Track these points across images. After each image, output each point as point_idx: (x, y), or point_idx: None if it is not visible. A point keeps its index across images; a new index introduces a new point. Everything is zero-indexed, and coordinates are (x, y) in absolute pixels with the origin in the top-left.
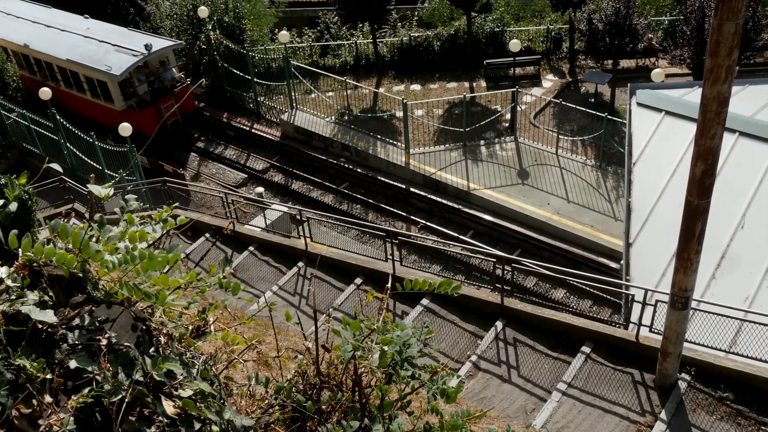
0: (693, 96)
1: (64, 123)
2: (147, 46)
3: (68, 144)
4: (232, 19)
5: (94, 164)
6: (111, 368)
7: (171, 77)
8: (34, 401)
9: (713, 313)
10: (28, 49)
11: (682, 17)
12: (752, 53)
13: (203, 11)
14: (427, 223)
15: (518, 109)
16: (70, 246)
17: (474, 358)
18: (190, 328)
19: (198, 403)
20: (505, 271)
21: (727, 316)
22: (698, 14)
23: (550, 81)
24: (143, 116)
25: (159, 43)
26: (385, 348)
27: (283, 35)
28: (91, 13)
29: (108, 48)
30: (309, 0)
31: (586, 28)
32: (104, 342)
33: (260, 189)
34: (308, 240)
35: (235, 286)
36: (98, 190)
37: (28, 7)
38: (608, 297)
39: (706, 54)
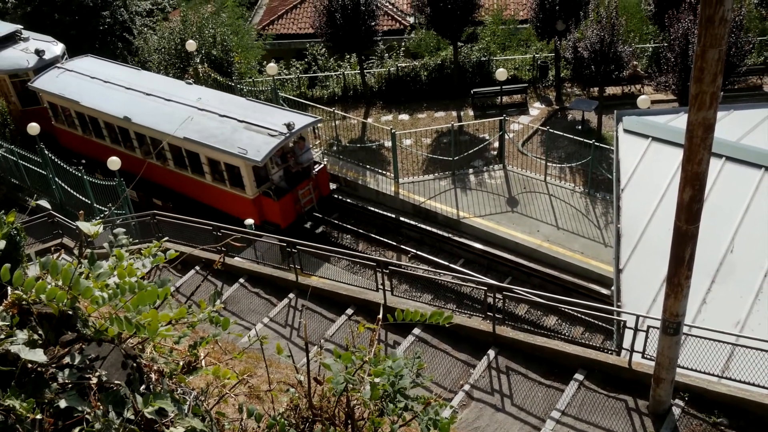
0: (679, 122)
1: (52, 158)
2: (289, 126)
3: (57, 179)
4: (220, 52)
5: (83, 199)
6: (101, 407)
7: (308, 158)
8: None
9: (705, 338)
10: (130, 122)
11: (666, 44)
12: (736, 79)
13: (191, 45)
14: (418, 252)
15: (506, 137)
16: (60, 283)
17: (467, 387)
18: (181, 363)
19: None
20: (496, 299)
21: (719, 341)
22: (682, 41)
23: (537, 109)
24: (280, 206)
25: (300, 120)
26: (377, 380)
27: (271, 67)
28: (79, 47)
29: (234, 125)
30: (296, 32)
31: (572, 56)
32: (94, 380)
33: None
34: (299, 271)
35: (224, 321)
36: (87, 227)
37: (114, 68)
38: (600, 323)
39: (690, 80)
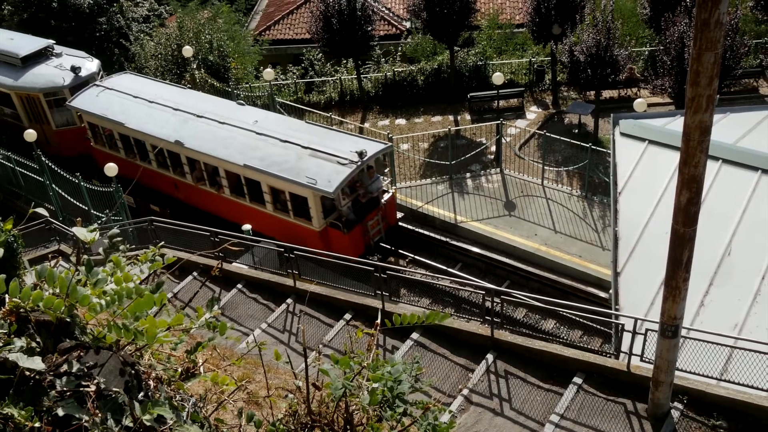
0: (675, 125)
1: (50, 164)
2: (361, 154)
3: (54, 185)
4: (216, 58)
5: (80, 205)
6: (100, 414)
7: (378, 187)
8: None
9: (703, 341)
10: (182, 147)
11: (661, 47)
12: (732, 82)
13: (188, 51)
14: (415, 257)
15: (503, 141)
16: (58, 291)
17: (465, 391)
18: (179, 370)
19: None
20: (495, 303)
21: (718, 344)
22: (678, 44)
23: (533, 113)
24: (350, 238)
25: (371, 147)
26: (376, 385)
27: (268, 73)
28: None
29: (299, 152)
30: (293, 38)
31: (568, 60)
32: (93, 388)
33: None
34: (296, 276)
35: (221, 326)
36: (83, 233)
37: (156, 86)
38: (598, 326)
39: (686, 83)
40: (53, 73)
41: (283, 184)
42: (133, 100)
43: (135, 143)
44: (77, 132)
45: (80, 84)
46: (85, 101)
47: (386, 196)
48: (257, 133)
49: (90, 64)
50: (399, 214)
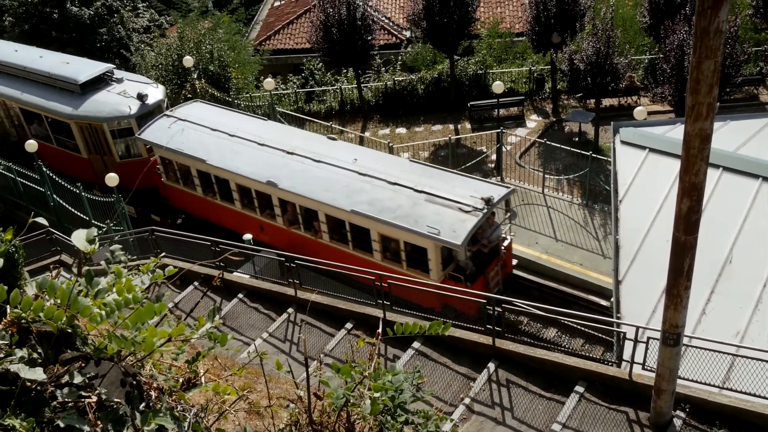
0: (676, 133)
1: (51, 175)
2: (488, 201)
3: (54, 196)
4: (217, 68)
5: (81, 215)
6: (101, 425)
7: (498, 236)
8: None
9: (705, 349)
10: (276, 188)
11: (661, 55)
12: (732, 89)
13: (188, 61)
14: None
15: (503, 149)
16: (59, 301)
17: (467, 400)
18: (181, 380)
19: None
20: (496, 312)
21: (720, 352)
22: (677, 52)
23: (534, 121)
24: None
25: (494, 191)
26: (377, 394)
27: (268, 82)
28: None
29: (412, 196)
30: (293, 47)
31: (568, 69)
32: (94, 399)
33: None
34: (297, 286)
35: (222, 337)
36: (81, 239)
37: (232, 117)
38: (600, 335)
39: (686, 91)
40: (117, 100)
41: (398, 233)
42: (211, 133)
43: (216, 181)
44: (143, 164)
45: (147, 113)
46: (158, 133)
47: (504, 244)
48: (360, 174)
49: (155, 91)
50: (513, 261)
